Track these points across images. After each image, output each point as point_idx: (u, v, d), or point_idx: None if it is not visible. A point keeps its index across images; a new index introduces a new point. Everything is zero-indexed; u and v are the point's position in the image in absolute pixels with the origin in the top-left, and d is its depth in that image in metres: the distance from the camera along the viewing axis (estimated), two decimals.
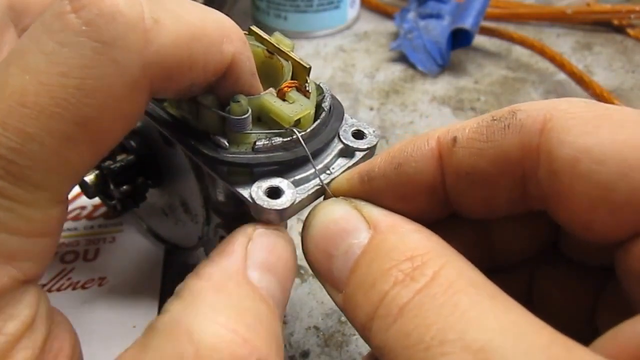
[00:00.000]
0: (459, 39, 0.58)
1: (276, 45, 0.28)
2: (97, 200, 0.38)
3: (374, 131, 0.28)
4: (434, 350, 0.17)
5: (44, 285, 0.35)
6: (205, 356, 0.19)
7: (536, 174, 0.20)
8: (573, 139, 0.19)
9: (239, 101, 0.24)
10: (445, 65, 0.59)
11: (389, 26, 0.67)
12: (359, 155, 0.27)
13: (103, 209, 0.41)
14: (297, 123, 0.26)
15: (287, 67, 0.27)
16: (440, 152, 0.22)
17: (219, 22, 0.22)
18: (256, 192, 0.24)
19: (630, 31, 0.64)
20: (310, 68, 0.27)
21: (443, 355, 0.17)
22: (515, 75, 0.59)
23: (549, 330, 0.17)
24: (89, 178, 0.31)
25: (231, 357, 0.19)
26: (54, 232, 0.21)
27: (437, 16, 0.63)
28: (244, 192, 0.24)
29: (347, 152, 0.27)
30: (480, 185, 0.21)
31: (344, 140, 0.27)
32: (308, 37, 0.65)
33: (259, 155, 0.25)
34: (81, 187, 0.32)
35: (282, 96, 0.26)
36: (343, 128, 0.28)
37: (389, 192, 0.23)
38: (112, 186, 0.32)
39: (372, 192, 0.23)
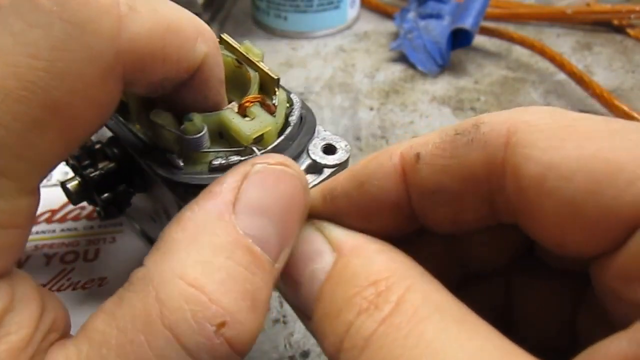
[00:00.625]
0: (459, 39, 0.58)
1: (245, 55, 0.27)
2: None
3: (346, 145, 0.27)
4: None
5: (44, 286, 0.35)
6: (167, 316, 0.18)
7: (503, 190, 0.19)
8: (539, 154, 0.18)
9: (192, 120, 0.23)
10: (445, 65, 0.59)
11: (389, 26, 0.67)
12: (327, 172, 0.26)
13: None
14: (260, 139, 0.25)
15: (254, 78, 0.26)
16: (403, 169, 0.21)
17: (194, 20, 0.22)
18: None
19: (630, 31, 0.64)
20: (278, 79, 0.26)
21: None
22: (515, 75, 0.59)
23: (520, 355, 0.16)
24: (72, 185, 0.31)
25: (194, 319, 0.18)
26: (23, 225, 0.20)
27: (437, 16, 0.63)
28: None
29: (315, 168, 0.26)
30: (447, 203, 0.20)
31: (312, 156, 0.26)
32: (308, 37, 0.65)
33: (214, 176, 0.23)
34: (65, 193, 0.32)
35: (243, 112, 0.25)
36: (313, 142, 0.26)
37: (353, 211, 0.22)
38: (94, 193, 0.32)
39: (335, 211, 0.22)
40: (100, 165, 0.31)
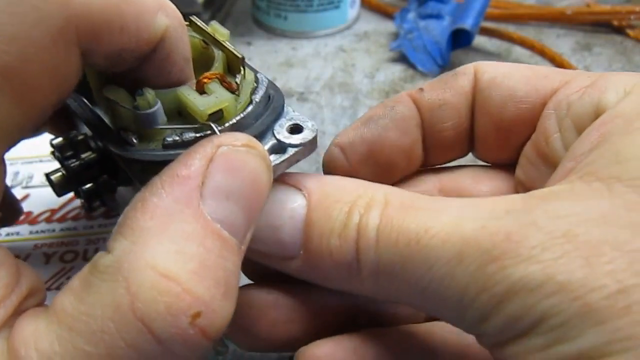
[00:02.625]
0: (459, 39, 0.58)
1: (212, 35, 0.26)
2: None
3: (312, 125, 0.26)
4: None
5: None
6: (140, 308, 0.18)
7: (476, 99, 0.28)
8: (492, 69, 0.28)
9: (143, 94, 0.23)
10: (446, 66, 0.59)
11: (389, 26, 0.67)
12: (291, 151, 0.25)
13: (102, 208, 0.41)
14: (220, 117, 0.24)
15: (218, 56, 0.26)
16: (413, 99, 0.28)
17: None
18: None
19: (630, 32, 0.64)
20: (242, 58, 0.26)
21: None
22: None
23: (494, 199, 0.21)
24: (55, 177, 0.31)
25: (168, 312, 0.18)
26: None
27: (437, 16, 0.63)
28: None
29: (279, 148, 0.25)
30: (450, 115, 0.28)
31: (277, 135, 0.25)
32: (308, 37, 0.65)
33: (167, 152, 0.23)
34: (49, 184, 0.32)
35: (200, 88, 0.24)
36: (279, 122, 0.26)
37: (390, 133, 0.28)
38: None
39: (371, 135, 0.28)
40: (83, 156, 0.31)
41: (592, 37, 0.65)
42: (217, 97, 0.24)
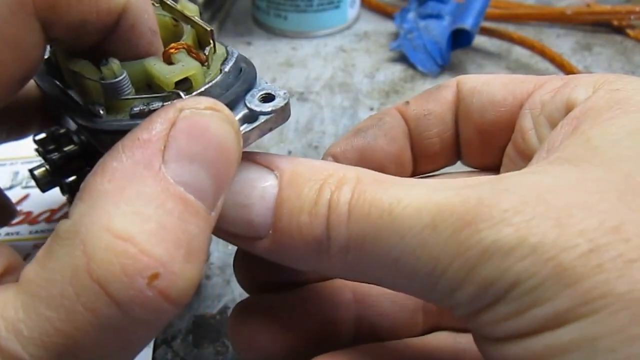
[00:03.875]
0: (459, 39, 0.58)
1: (181, 11, 0.26)
2: None
3: (284, 93, 0.25)
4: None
5: None
6: (95, 270, 0.17)
7: (459, 106, 0.29)
8: (473, 78, 0.29)
9: (107, 64, 0.22)
10: (446, 66, 0.59)
11: (389, 26, 0.67)
12: (262, 118, 0.25)
13: None
14: (188, 87, 0.24)
15: (186, 29, 0.26)
16: (399, 110, 0.30)
17: None
18: None
19: (630, 32, 0.64)
20: (212, 30, 0.25)
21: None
22: None
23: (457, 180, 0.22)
24: (38, 172, 0.31)
25: (123, 273, 0.17)
26: None
27: (437, 16, 0.63)
28: None
29: (251, 118, 0.25)
30: (435, 123, 0.29)
31: (248, 105, 0.25)
32: (308, 37, 0.65)
33: (134, 122, 0.22)
34: (33, 180, 0.32)
35: (167, 59, 0.24)
36: (251, 92, 0.25)
37: (379, 140, 0.29)
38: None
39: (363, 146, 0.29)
40: (65, 149, 0.31)
41: (592, 37, 0.65)
42: (183, 66, 0.23)
